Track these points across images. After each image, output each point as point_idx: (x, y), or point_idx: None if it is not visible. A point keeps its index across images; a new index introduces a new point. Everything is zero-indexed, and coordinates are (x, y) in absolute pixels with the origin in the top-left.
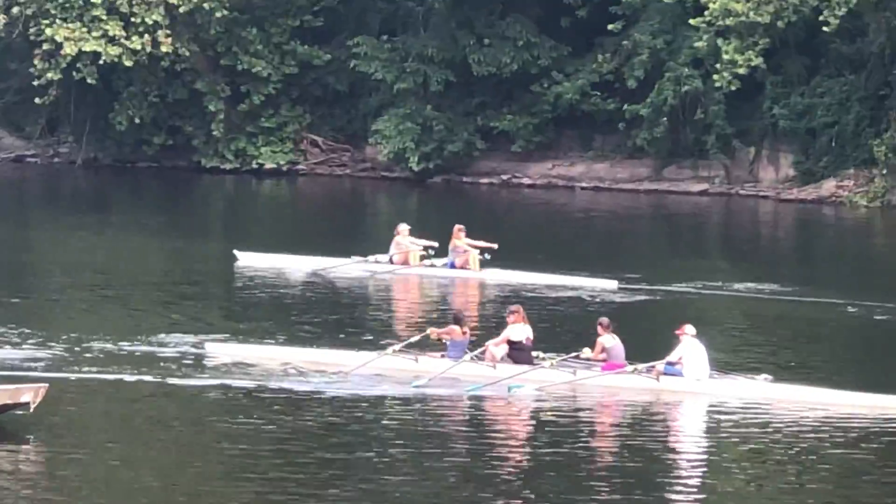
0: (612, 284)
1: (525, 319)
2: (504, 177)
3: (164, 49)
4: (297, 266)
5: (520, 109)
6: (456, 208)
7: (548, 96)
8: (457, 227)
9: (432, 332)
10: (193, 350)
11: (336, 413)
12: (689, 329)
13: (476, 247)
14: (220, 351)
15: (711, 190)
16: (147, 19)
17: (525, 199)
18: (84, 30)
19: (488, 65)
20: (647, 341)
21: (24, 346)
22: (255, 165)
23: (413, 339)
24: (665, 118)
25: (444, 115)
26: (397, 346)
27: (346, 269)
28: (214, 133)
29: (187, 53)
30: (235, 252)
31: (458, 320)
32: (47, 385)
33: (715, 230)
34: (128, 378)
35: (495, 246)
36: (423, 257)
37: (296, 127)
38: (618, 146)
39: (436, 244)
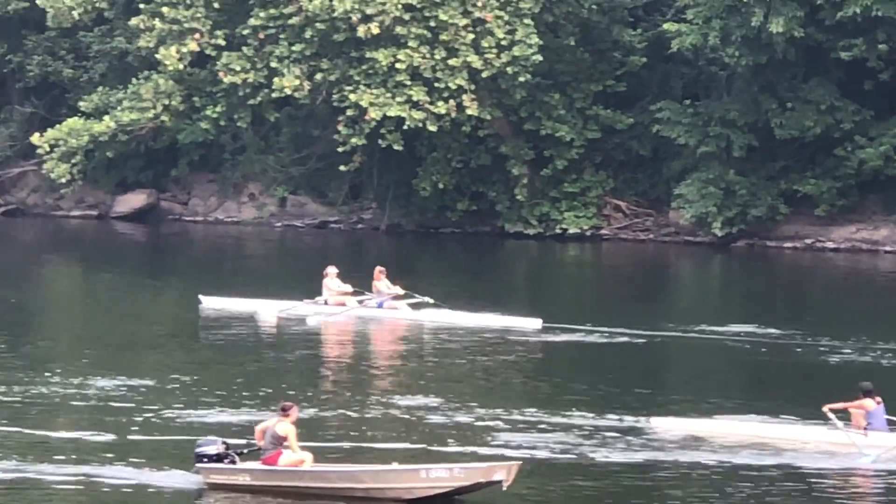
0: None
1: None
2: (807, 241)
3: (468, 114)
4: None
5: (823, 173)
6: (759, 273)
7: (851, 161)
8: (377, 268)
9: (830, 407)
10: (634, 425)
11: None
12: None
13: (399, 296)
14: (667, 426)
15: None
16: (451, 84)
17: (828, 264)
18: (388, 95)
19: (791, 128)
20: None
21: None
22: (558, 230)
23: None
24: None
25: (747, 180)
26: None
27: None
28: (518, 198)
29: (490, 118)
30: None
31: (867, 392)
32: (520, 462)
33: None
34: (591, 454)
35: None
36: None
37: (599, 191)
38: None
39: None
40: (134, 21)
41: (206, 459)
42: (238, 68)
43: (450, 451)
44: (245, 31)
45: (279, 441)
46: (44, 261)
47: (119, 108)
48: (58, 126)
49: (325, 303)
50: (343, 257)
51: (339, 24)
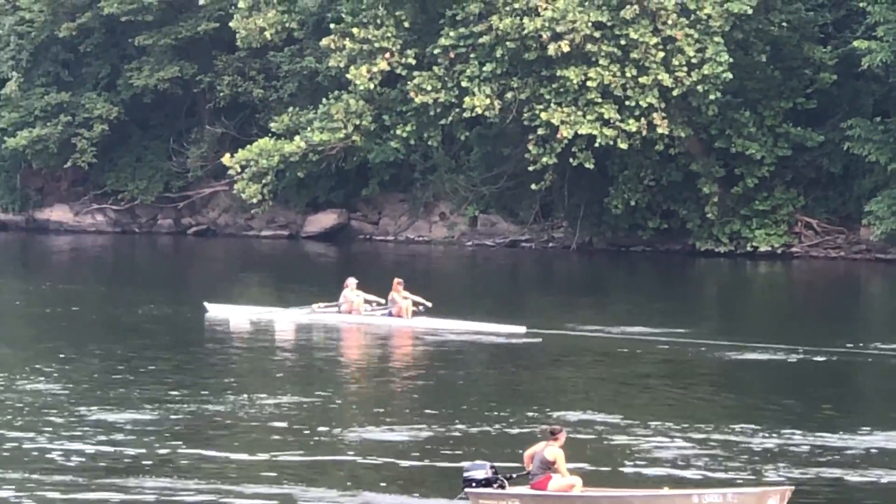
0: None
1: None
2: None
3: (659, 131)
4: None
5: None
6: None
7: None
8: (396, 280)
9: None
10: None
11: None
12: None
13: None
14: None
15: None
16: (641, 102)
17: None
18: (579, 113)
19: None
20: None
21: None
22: (749, 248)
23: None
24: None
25: None
26: None
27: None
28: (708, 216)
29: (681, 136)
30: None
31: None
32: (792, 487)
33: None
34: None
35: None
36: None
37: (789, 209)
38: None
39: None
40: (325, 41)
41: (474, 484)
42: (429, 88)
43: (694, 477)
44: (436, 51)
45: (548, 465)
46: (235, 280)
47: (309, 128)
48: (248, 147)
49: (339, 309)
50: (533, 276)
51: (529, 43)
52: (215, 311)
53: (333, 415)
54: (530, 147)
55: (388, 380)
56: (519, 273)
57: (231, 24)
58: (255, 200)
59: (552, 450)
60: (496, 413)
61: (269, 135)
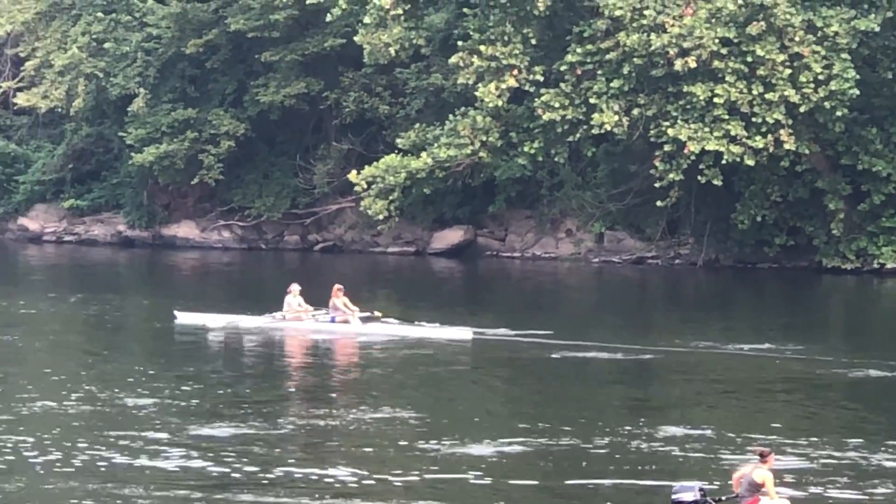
0: None
1: None
2: None
3: (785, 148)
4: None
5: None
6: None
7: None
8: (336, 287)
9: None
10: None
11: None
12: None
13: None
14: None
15: None
16: (768, 118)
17: None
18: (706, 130)
19: None
20: None
21: None
22: (875, 265)
23: None
24: None
25: None
26: None
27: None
28: (834, 232)
29: (807, 152)
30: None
31: None
32: None
33: None
34: None
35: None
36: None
37: None
38: None
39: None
40: (453, 59)
41: None
42: (556, 104)
43: (821, 494)
44: (562, 67)
45: (757, 488)
46: (361, 297)
47: (436, 144)
48: (375, 163)
49: (284, 318)
50: (659, 293)
51: (656, 59)
52: (184, 318)
53: (437, 429)
54: (657, 163)
55: (491, 393)
56: (645, 290)
57: (357, 39)
58: (381, 217)
59: (761, 472)
60: (618, 428)
61: (396, 151)
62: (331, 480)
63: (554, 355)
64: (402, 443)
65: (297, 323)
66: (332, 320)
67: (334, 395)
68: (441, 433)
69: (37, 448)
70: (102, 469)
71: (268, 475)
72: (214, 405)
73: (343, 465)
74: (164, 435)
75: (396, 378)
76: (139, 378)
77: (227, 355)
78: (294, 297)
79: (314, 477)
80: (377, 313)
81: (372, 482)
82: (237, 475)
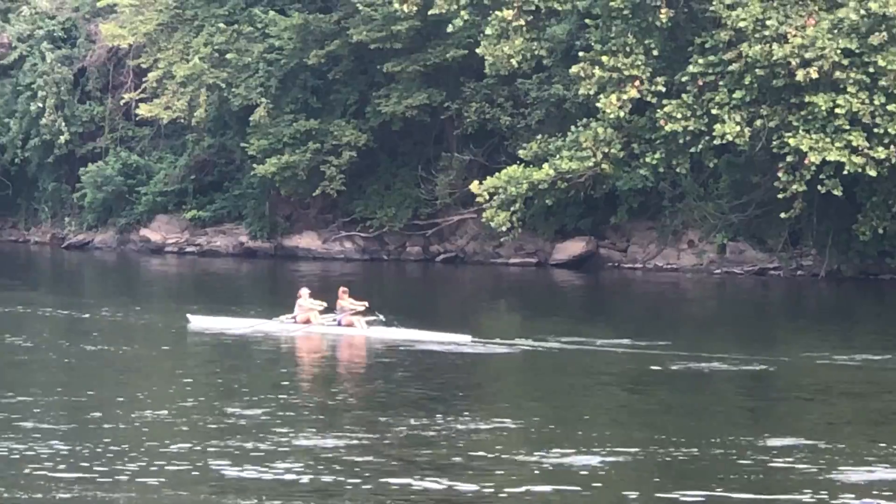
0: None
1: None
2: None
3: None
4: None
5: None
6: None
7: None
8: (341, 289)
9: None
10: None
11: None
12: None
13: (356, 307)
14: None
15: None
16: (890, 129)
17: None
18: (827, 140)
19: None
20: None
21: None
22: None
23: None
24: None
25: None
26: None
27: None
28: None
29: None
30: None
31: None
32: None
33: None
34: None
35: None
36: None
37: None
38: None
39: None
40: (574, 69)
41: None
42: (678, 115)
43: None
44: (684, 78)
45: None
46: (481, 308)
47: (558, 155)
48: (497, 174)
49: (294, 320)
50: (781, 304)
51: (777, 70)
52: (198, 322)
53: (542, 438)
54: (780, 174)
55: (602, 403)
56: (767, 301)
57: (479, 51)
58: (503, 228)
59: None
60: (733, 439)
61: (518, 162)
62: (437, 490)
63: (673, 366)
64: (507, 452)
65: (309, 326)
66: (339, 323)
67: (429, 402)
68: (547, 442)
69: (150, 457)
70: (213, 479)
71: (368, 484)
72: (310, 413)
73: (446, 476)
74: (268, 445)
75: (497, 385)
76: (235, 388)
77: (290, 360)
78: (304, 299)
79: (418, 487)
80: (381, 317)
81: (477, 493)
82: (342, 484)
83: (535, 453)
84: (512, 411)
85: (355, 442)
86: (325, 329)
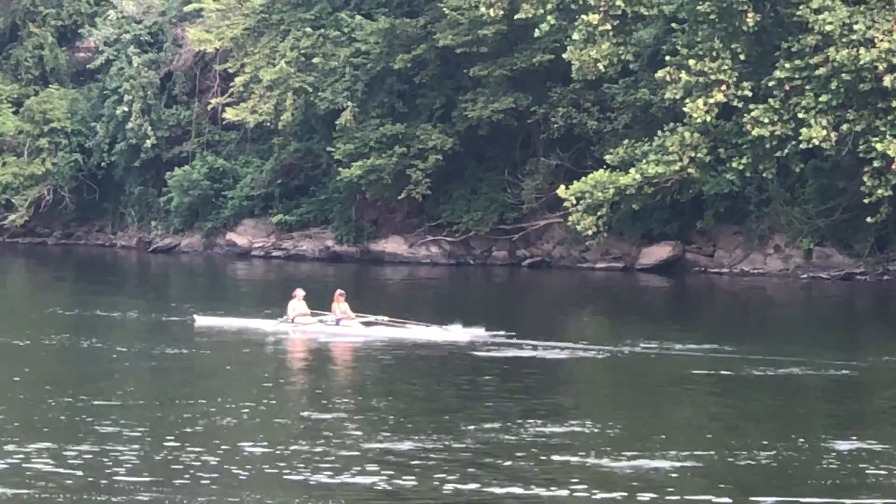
0: None
1: None
2: None
3: None
4: None
5: None
6: None
7: None
8: (338, 291)
9: None
10: None
11: None
12: None
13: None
14: None
15: None
16: None
17: None
18: None
19: None
20: None
21: None
22: None
23: None
24: None
25: None
26: None
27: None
28: None
29: None
30: None
31: None
32: None
33: None
34: None
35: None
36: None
37: None
38: None
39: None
40: (660, 73)
41: None
42: (765, 120)
43: None
44: (771, 83)
45: None
46: (568, 313)
47: (644, 160)
48: (584, 179)
49: (292, 321)
50: (867, 309)
51: (864, 75)
52: (203, 321)
53: (620, 443)
54: (866, 179)
55: (682, 407)
56: (853, 306)
57: (565, 55)
58: (590, 233)
59: None
60: (816, 444)
61: (604, 167)
62: (512, 495)
63: (756, 371)
64: (584, 457)
65: (308, 325)
66: (337, 323)
67: (504, 405)
68: (626, 447)
69: (231, 460)
70: (295, 484)
71: (444, 489)
72: (383, 415)
73: (520, 482)
74: (343, 448)
75: (576, 389)
76: (312, 391)
77: (362, 363)
78: (298, 301)
79: (493, 492)
80: (383, 318)
81: (552, 498)
82: (417, 489)
83: (613, 458)
84: (591, 416)
85: (430, 446)
86: (320, 328)
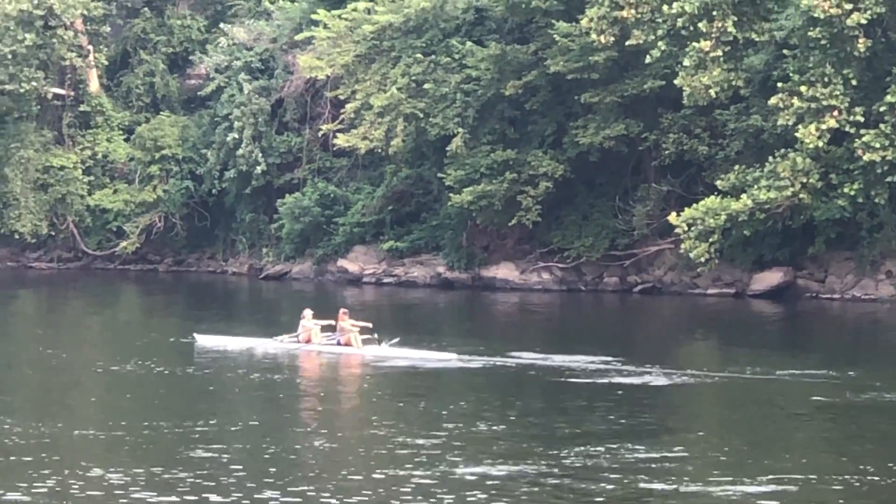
0: None
1: None
2: None
3: None
4: None
5: None
6: None
7: None
8: (341, 310)
9: None
10: None
11: None
12: None
13: (357, 326)
14: None
15: None
16: None
17: None
18: None
19: None
20: None
21: None
22: None
23: None
24: None
25: None
26: None
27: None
28: None
29: None
30: None
31: None
32: None
33: None
34: None
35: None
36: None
37: None
38: None
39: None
40: (773, 100)
41: None
42: (877, 145)
43: None
44: (882, 108)
45: None
46: (680, 341)
47: (756, 186)
48: (695, 205)
49: (298, 338)
50: None
51: None
52: (203, 341)
53: (705, 467)
54: None
55: (777, 433)
56: None
57: (676, 81)
58: (701, 259)
59: None
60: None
61: (715, 193)
62: None
63: (866, 395)
64: (689, 483)
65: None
66: (338, 343)
67: (608, 431)
68: (734, 472)
69: (319, 484)
70: None
71: None
72: (481, 441)
73: None
74: (436, 474)
75: (683, 415)
76: (407, 416)
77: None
78: (308, 321)
79: None
80: (383, 341)
81: None
82: None
83: (722, 484)
84: (700, 441)
85: (533, 470)
86: (323, 348)
